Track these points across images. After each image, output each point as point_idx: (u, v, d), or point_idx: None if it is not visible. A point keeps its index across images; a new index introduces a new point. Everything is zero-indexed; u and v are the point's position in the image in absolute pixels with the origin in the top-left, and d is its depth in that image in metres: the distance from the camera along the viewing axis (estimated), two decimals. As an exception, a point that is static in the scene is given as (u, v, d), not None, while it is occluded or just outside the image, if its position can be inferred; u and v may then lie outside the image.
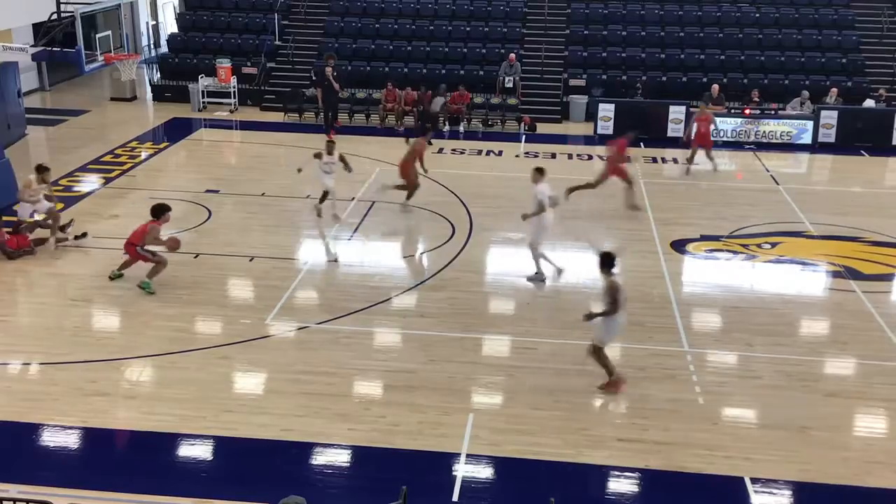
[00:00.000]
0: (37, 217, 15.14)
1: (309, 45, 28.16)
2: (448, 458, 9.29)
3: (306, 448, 9.48)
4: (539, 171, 13.89)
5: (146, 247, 13.30)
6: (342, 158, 16.65)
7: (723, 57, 26.53)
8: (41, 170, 15.22)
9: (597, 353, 10.63)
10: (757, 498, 8.76)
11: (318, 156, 16.52)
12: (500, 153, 22.37)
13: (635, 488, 9.03)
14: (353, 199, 17.62)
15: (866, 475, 9.11)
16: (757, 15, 27.86)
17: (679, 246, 15.64)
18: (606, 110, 24.11)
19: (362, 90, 25.73)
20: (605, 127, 24.00)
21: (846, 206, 18.03)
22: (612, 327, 10.49)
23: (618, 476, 9.11)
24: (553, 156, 21.96)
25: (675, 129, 23.65)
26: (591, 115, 24.77)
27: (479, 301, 13.45)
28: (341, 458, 9.45)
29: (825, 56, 26.44)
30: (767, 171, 20.97)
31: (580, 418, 10.13)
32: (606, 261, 10.46)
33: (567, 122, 25.51)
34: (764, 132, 23.39)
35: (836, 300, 13.74)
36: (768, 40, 27.08)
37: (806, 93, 24.17)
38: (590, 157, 22.05)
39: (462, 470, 9.11)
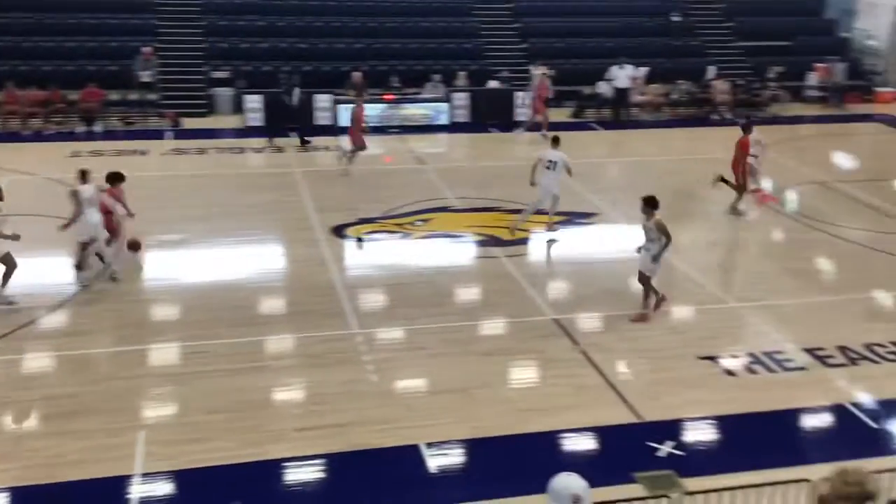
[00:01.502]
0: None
1: None
2: (121, 482, 8.68)
3: (-51, 502, 8.33)
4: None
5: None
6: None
7: (361, 45, 27.44)
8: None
9: (647, 281, 12.30)
10: (433, 461, 9.25)
11: (74, 194, 13.12)
12: (145, 152, 21.26)
13: (320, 474, 9.10)
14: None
15: (525, 422, 10.00)
16: (387, 4, 29.14)
17: (339, 231, 15.99)
18: (254, 102, 23.94)
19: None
20: (255, 119, 23.85)
21: (484, 179, 19.56)
22: (659, 258, 12.10)
23: (300, 465, 9.12)
24: (202, 151, 21.36)
25: (322, 118, 24.10)
26: (238, 108, 24.45)
27: (140, 310, 12.69)
28: (-5, 504, 8.44)
29: (453, 41, 28.43)
30: (412, 152, 22.14)
31: (256, 415, 9.98)
32: (652, 202, 12.01)
33: (215, 116, 24.91)
34: (405, 116, 24.68)
35: (483, 267, 14.92)
36: (402, 28, 28.47)
37: (438, 76, 25.85)
38: (241, 150, 21.73)
39: (137, 491, 8.57)
